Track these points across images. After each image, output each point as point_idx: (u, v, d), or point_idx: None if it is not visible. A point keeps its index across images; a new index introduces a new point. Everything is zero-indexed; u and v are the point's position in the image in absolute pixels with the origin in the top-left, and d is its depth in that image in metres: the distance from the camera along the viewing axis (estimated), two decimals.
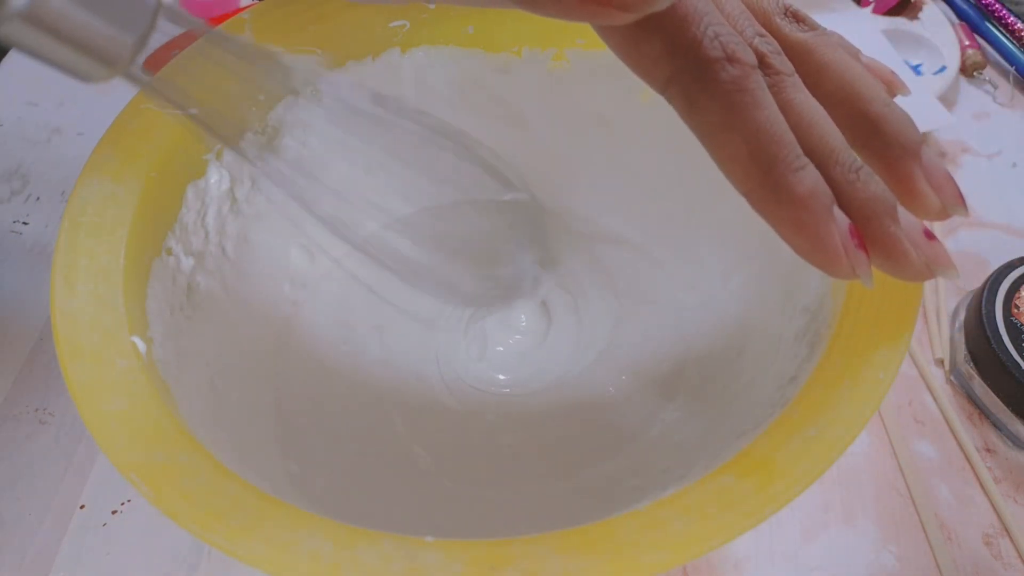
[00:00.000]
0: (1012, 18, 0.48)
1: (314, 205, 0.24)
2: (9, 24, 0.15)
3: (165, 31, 0.17)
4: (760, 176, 0.18)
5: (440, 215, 0.34)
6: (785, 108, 0.18)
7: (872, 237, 0.19)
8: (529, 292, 0.33)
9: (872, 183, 0.19)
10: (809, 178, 0.18)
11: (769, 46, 0.19)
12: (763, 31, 0.19)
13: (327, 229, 0.25)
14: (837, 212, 0.18)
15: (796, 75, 0.19)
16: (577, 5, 0.16)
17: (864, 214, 0.19)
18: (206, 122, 0.19)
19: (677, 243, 0.35)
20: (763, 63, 0.19)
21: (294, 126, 0.30)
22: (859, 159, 0.19)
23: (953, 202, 0.20)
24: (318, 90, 0.25)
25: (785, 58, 0.19)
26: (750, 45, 0.19)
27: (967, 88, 0.47)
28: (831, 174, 0.19)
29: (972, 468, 0.32)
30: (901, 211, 0.19)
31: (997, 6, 0.49)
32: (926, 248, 0.19)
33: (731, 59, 0.18)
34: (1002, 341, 0.32)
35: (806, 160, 0.18)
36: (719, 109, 0.18)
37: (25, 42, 0.15)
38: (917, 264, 0.19)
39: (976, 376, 0.33)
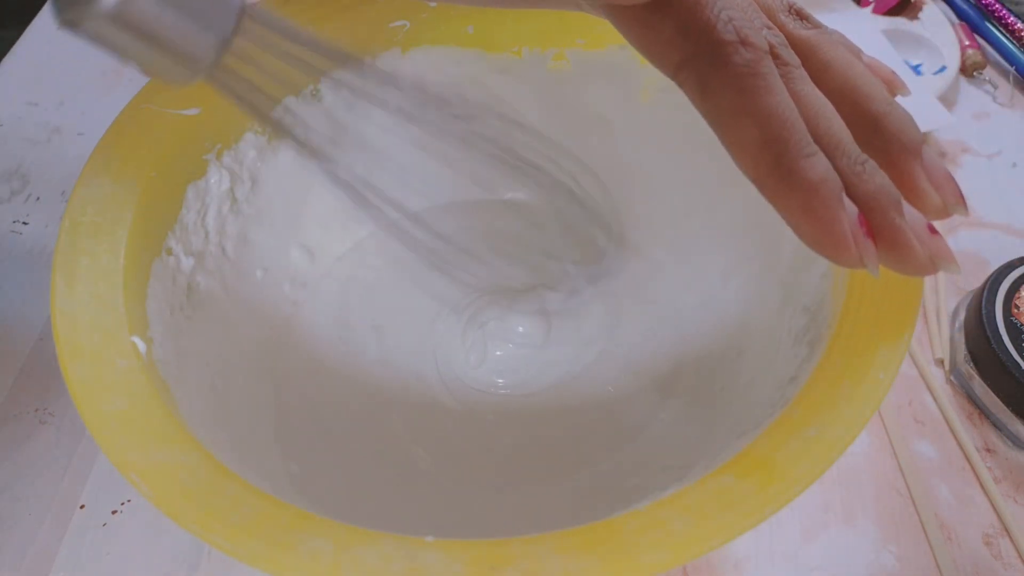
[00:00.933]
0: (1012, 18, 0.48)
1: (347, 173, 0.23)
2: (95, 23, 0.15)
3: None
4: (771, 161, 0.18)
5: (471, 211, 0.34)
6: (792, 99, 0.19)
7: (878, 228, 0.19)
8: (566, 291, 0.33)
9: (878, 175, 0.19)
10: (820, 165, 0.18)
11: (776, 38, 0.19)
12: (770, 24, 0.19)
13: (357, 200, 0.24)
14: (846, 200, 0.18)
15: (802, 68, 0.19)
16: None
17: (870, 205, 0.19)
18: (241, 93, 0.19)
19: (677, 243, 0.35)
20: (771, 53, 0.19)
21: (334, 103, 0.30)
22: (864, 153, 0.19)
23: (954, 201, 0.20)
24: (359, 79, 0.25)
25: (791, 51, 0.19)
26: None
27: (967, 88, 0.47)
28: (837, 165, 0.19)
29: (972, 468, 0.32)
30: (904, 205, 0.19)
31: (997, 6, 0.49)
32: (929, 242, 0.19)
33: (744, 43, 0.18)
34: (1002, 341, 0.32)
35: (816, 147, 0.18)
36: (732, 93, 0.18)
37: (110, 41, 0.15)
38: (921, 257, 0.19)
39: (976, 376, 0.33)
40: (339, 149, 0.25)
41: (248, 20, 0.17)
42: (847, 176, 0.19)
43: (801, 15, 0.21)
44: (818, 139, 0.19)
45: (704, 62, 0.18)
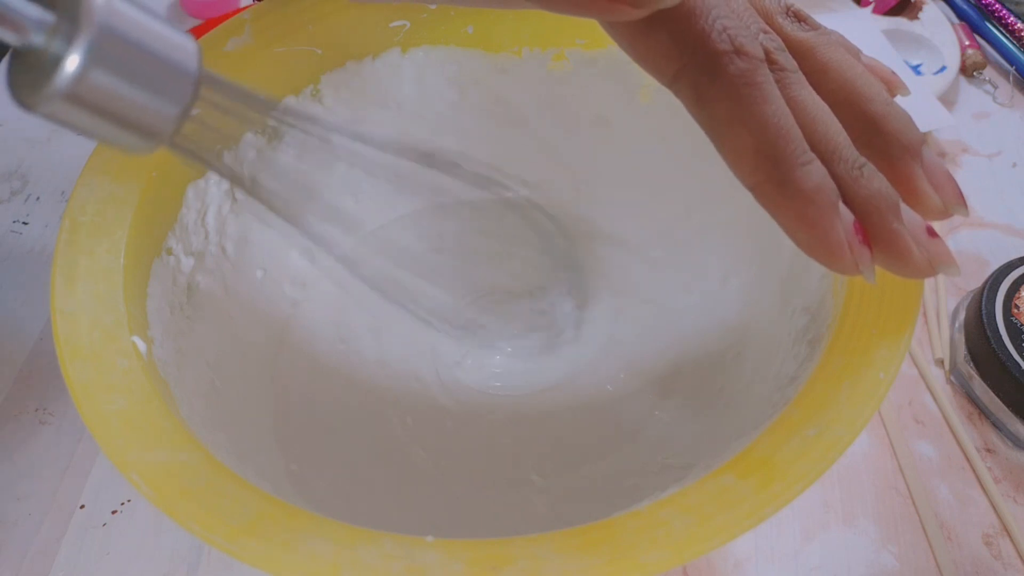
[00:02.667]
0: (1012, 18, 0.48)
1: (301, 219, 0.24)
2: (51, 105, 0.15)
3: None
4: (767, 170, 0.18)
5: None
6: (789, 104, 0.19)
7: (875, 233, 0.19)
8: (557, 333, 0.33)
9: (876, 180, 0.19)
10: (816, 173, 0.18)
11: (773, 42, 0.19)
12: (767, 28, 0.19)
13: (318, 244, 0.25)
14: (842, 207, 0.18)
15: (800, 72, 0.19)
16: (588, 2, 0.16)
17: (867, 210, 0.19)
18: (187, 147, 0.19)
19: (676, 244, 0.35)
20: (768, 59, 0.19)
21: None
22: (862, 156, 0.19)
23: (954, 201, 0.20)
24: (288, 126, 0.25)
25: (788, 55, 0.19)
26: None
27: (967, 88, 0.47)
28: (835, 170, 0.19)
29: (972, 468, 0.32)
30: (903, 208, 0.19)
31: (997, 6, 0.49)
32: (928, 245, 0.19)
33: (739, 52, 0.18)
34: (1002, 341, 0.32)
35: (812, 155, 0.18)
36: (727, 102, 0.18)
37: (68, 120, 0.15)
38: (920, 260, 0.19)
39: (976, 376, 0.33)
40: (298, 196, 0.26)
41: (205, 86, 0.17)
42: (844, 181, 0.19)
43: (799, 17, 0.21)
44: (815, 145, 0.19)
45: (699, 72, 0.18)
